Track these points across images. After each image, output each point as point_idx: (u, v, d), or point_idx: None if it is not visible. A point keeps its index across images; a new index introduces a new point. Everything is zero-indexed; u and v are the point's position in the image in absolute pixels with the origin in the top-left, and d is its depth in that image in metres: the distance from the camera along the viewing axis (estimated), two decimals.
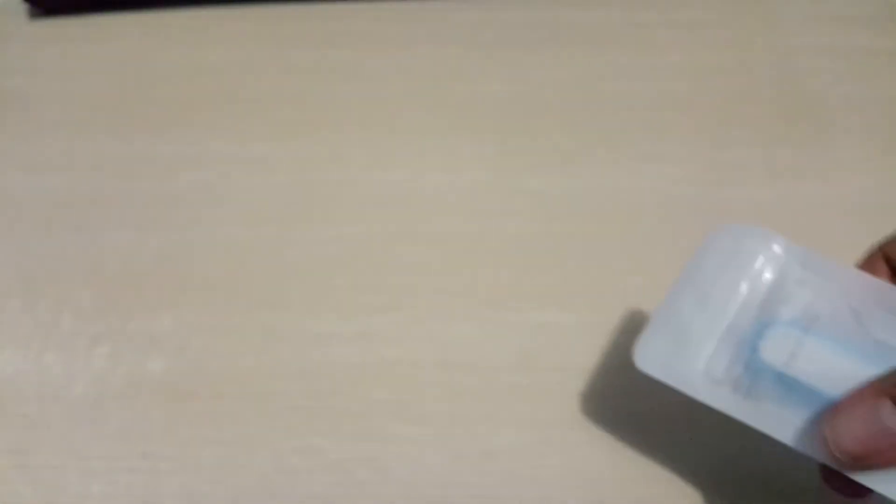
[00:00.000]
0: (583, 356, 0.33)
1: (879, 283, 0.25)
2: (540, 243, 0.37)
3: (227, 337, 0.34)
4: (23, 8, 0.47)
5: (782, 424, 0.24)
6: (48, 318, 0.34)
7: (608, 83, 0.44)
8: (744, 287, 0.26)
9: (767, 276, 0.26)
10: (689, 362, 0.25)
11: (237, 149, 0.40)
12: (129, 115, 0.42)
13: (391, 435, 0.31)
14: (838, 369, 0.24)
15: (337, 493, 0.30)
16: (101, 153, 0.40)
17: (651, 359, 0.26)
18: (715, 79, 0.44)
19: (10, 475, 0.30)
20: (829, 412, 0.23)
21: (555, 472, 0.31)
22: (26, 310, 0.35)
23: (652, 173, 0.39)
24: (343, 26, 0.47)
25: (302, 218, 0.38)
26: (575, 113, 0.42)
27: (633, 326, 0.33)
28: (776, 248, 0.26)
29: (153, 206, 0.38)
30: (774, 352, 0.25)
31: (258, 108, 0.43)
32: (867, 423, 0.21)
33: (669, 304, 0.26)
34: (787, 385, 0.24)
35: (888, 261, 0.26)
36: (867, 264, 0.26)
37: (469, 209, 0.38)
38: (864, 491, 0.22)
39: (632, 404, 0.32)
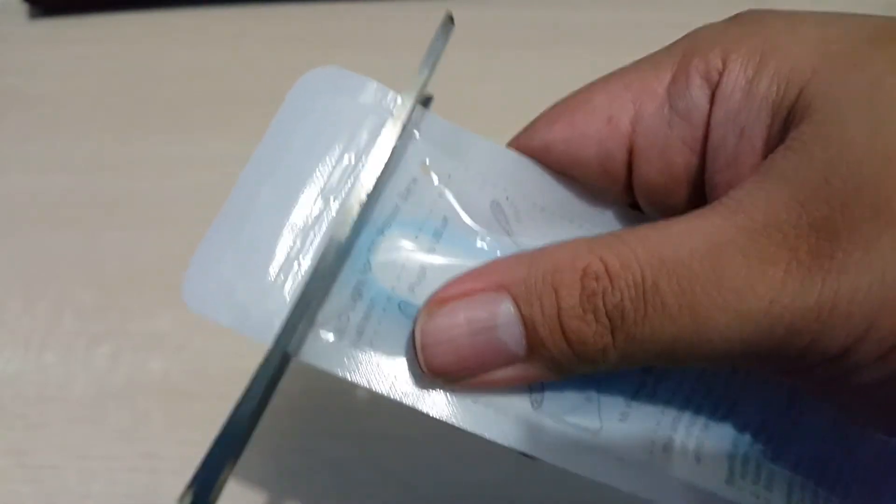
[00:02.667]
0: None
1: (528, 165, 0.19)
2: None
3: (227, 337, 0.34)
4: (23, 8, 0.47)
5: (410, 380, 0.16)
6: (48, 318, 0.34)
7: None
8: (341, 166, 0.17)
9: (377, 151, 0.17)
10: (265, 292, 0.16)
11: (237, 149, 0.40)
12: (129, 115, 0.42)
13: (391, 435, 0.31)
14: None
15: (337, 492, 0.30)
16: (101, 153, 0.40)
17: (209, 290, 0.16)
18: None
19: (10, 475, 0.30)
20: (426, 305, 0.16)
21: (555, 471, 0.31)
22: (26, 310, 0.35)
23: None
24: (343, 26, 0.47)
25: None
26: None
27: None
28: (387, 105, 0.18)
29: (153, 206, 0.38)
30: (393, 271, 0.17)
31: (258, 108, 0.42)
32: (472, 327, 0.15)
33: (234, 202, 0.17)
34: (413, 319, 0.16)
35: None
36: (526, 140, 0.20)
37: None
38: None
39: None
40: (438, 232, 0.17)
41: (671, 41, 0.19)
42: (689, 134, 0.17)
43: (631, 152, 0.18)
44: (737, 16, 0.18)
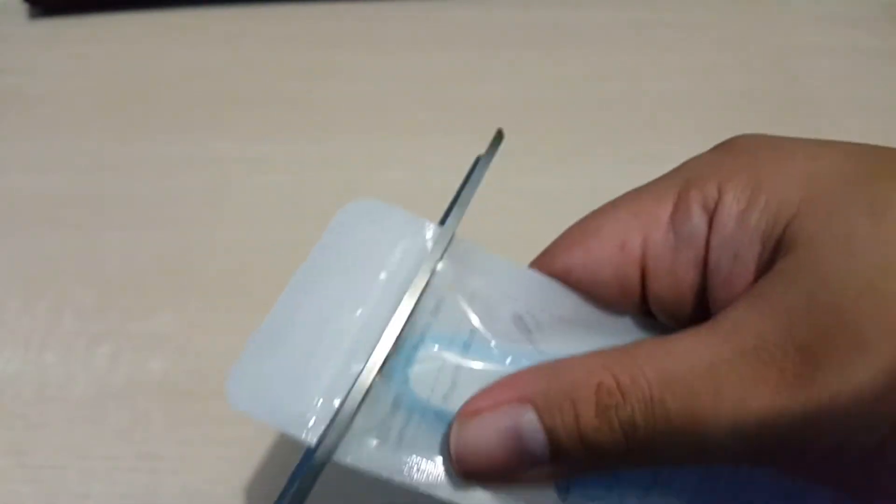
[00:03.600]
0: None
1: (547, 283, 0.21)
2: (539, 243, 0.37)
3: (227, 337, 0.34)
4: (23, 8, 0.47)
5: (448, 478, 0.18)
6: (48, 318, 0.34)
7: (608, 83, 0.44)
8: (378, 288, 0.19)
9: (411, 275, 0.19)
10: (308, 399, 0.18)
11: (237, 149, 0.40)
12: (129, 115, 0.42)
13: None
14: None
15: (337, 492, 0.30)
16: (101, 153, 0.40)
17: (251, 392, 0.18)
18: (715, 79, 0.44)
19: (10, 475, 0.30)
20: (458, 417, 0.18)
21: None
22: (26, 310, 0.35)
23: (652, 173, 0.39)
24: (343, 26, 0.47)
25: (302, 218, 0.38)
26: (575, 113, 0.42)
27: None
28: (424, 236, 0.20)
29: (153, 206, 0.38)
30: (428, 383, 0.18)
31: (258, 108, 0.43)
32: (500, 436, 0.17)
33: (277, 315, 0.19)
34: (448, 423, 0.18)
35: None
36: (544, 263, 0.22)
37: (469, 209, 0.38)
38: None
39: None
40: (467, 344, 0.19)
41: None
42: (692, 255, 0.19)
43: (643, 273, 0.20)
44: (729, 144, 0.20)
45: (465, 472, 0.18)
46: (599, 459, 0.17)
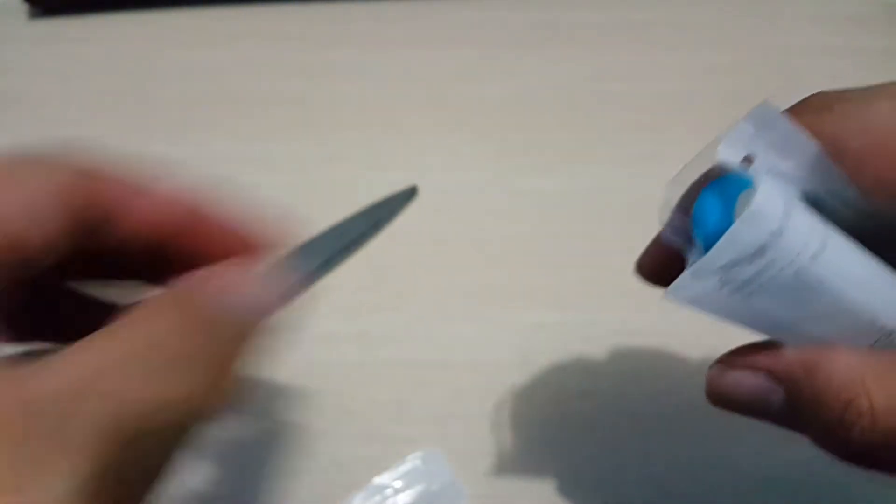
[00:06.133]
0: (582, 356, 0.33)
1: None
2: (539, 243, 0.37)
3: None
4: (23, 8, 0.47)
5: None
6: None
7: (608, 83, 0.44)
8: None
9: None
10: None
11: (237, 149, 0.40)
12: (128, 115, 0.42)
13: (391, 435, 0.31)
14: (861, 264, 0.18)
15: (338, 492, 0.30)
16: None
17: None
18: (715, 79, 0.44)
19: None
20: (722, 360, 0.21)
21: (556, 471, 0.31)
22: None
23: (652, 173, 0.39)
24: (343, 26, 0.47)
25: (301, 218, 0.38)
26: (575, 113, 0.42)
27: (633, 327, 0.33)
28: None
29: None
30: (802, 239, 0.17)
31: (258, 108, 0.43)
32: (751, 396, 0.20)
33: None
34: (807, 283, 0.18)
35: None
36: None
37: (469, 209, 0.38)
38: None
39: (632, 406, 0.32)
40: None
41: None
42: None
43: None
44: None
45: (712, 399, 0.21)
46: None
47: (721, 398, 0.21)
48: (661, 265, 0.22)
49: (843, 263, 0.18)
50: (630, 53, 0.45)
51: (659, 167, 0.40)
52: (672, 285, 0.18)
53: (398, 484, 0.29)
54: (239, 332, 0.18)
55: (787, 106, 0.20)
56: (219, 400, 0.17)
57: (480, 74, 0.44)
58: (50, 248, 0.18)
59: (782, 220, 0.17)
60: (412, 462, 0.30)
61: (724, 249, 0.17)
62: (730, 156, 0.18)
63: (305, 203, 0.38)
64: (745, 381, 0.20)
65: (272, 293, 0.20)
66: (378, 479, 0.29)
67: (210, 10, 0.47)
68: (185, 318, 0.17)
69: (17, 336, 0.20)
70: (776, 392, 0.19)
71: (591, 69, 0.45)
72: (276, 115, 0.42)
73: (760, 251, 0.17)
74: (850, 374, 0.18)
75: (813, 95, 0.20)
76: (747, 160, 0.18)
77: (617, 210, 0.38)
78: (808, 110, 0.20)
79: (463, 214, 0.38)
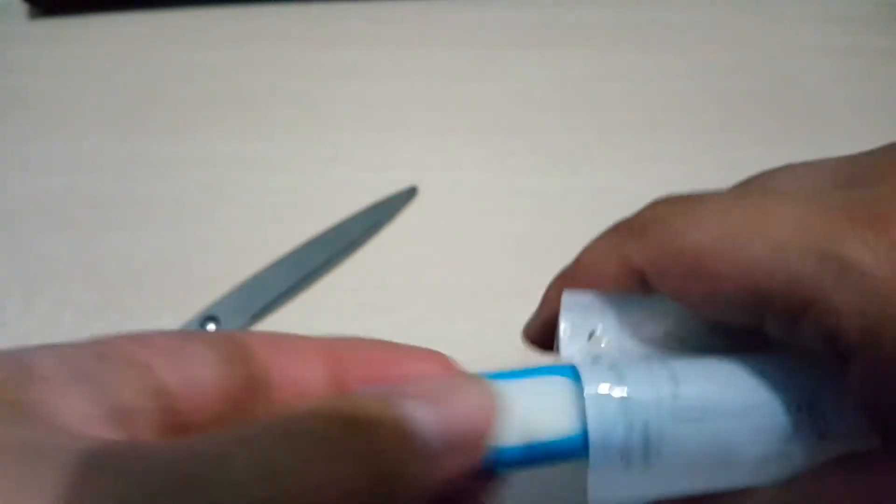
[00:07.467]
0: None
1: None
2: (540, 243, 0.37)
3: None
4: (23, 8, 0.47)
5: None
6: (48, 318, 0.34)
7: (608, 83, 0.44)
8: None
9: None
10: None
11: (237, 149, 0.40)
12: (128, 115, 0.42)
13: None
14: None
15: None
16: (101, 153, 0.40)
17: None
18: (715, 79, 0.44)
19: None
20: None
21: (556, 471, 0.30)
22: (26, 310, 0.35)
23: (652, 173, 0.39)
24: (343, 26, 0.47)
25: (302, 218, 0.38)
26: (575, 113, 0.42)
27: None
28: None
29: (153, 206, 0.38)
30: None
31: (258, 108, 0.43)
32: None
33: None
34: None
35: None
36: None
37: (469, 209, 0.38)
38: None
39: None
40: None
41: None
42: None
43: None
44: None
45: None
46: None
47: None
48: (549, 332, 0.22)
49: (708, 379, 0.18)
50: (630, 53, 0.45)
51: (659, 167, 0.40)
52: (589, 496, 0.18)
53: None
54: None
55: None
56: None
57: (480, 74, 0.44)
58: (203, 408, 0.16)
59: (622, 393, 0.18)
60: None
61: (598, 456, 0.18)
62: (573, 350, 0.20)
63: (305, 203, 0.39)
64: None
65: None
66: None
67: (210, 10, 0.47)
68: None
69: None
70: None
71: (591, 69, 0.44)
72: (276, 115, 0.42)
73: (628, 427, 0.18)
74: None
75: (646, 208, 0.20)
76: (592, 336, 0.20)
77: (617, 210, 0.38)
78: (630, 235, 0.20)
79: (463, 214, 0.38)
